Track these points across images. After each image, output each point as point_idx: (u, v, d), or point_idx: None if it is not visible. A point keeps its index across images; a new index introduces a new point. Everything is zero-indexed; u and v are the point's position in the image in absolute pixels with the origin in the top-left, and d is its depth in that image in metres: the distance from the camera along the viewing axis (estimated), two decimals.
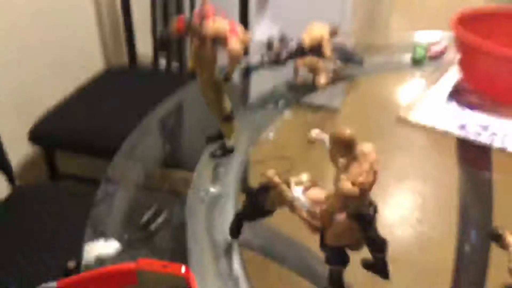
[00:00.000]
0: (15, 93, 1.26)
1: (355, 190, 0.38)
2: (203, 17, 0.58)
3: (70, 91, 1.35)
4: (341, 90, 0.92)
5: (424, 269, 0.68)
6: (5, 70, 1.22)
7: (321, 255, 0.51)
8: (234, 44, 0.56)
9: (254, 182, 0.71)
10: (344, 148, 0.40)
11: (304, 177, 0.47)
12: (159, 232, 0.63)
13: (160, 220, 0.65)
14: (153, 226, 0.64)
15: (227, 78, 0.63)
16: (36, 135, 1.21)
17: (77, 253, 0.85)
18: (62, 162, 1.30)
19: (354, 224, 0.42)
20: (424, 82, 0.87)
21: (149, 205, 0.66)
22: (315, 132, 0.44)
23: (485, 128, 0.74)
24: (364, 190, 0.39)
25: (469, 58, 0.82)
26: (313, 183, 0.47)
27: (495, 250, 0.62)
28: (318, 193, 0.45)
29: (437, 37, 1.01)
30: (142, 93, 1.37)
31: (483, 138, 0.72)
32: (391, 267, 0.46)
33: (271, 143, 0.79)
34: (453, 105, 0.80)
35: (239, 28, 0.58)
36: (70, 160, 1.33)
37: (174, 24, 0.64)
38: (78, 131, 1.21)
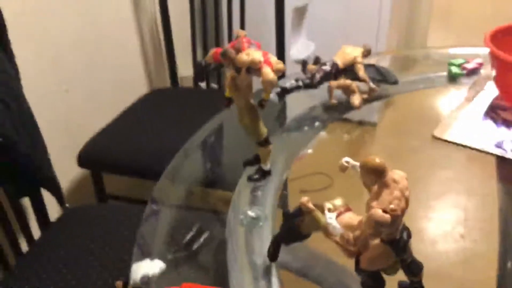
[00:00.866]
0: (64, 119, 1.34)
1: (387, 217, 0.40)
2: (238, 48, 0.61)
3: (116, 115, 1.41)
4: (377, 107, 0.93)
5: (467, 285, 0.67)
6: (54, 97, 1.29)
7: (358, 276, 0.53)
8: (268, 74, 0.59)
9: (294, 199, 0.73)
10: (375, 176, 0.41)
11: (338, 201, 0.49)
12: (201, 251, 0.66)
13: (202, 239, 0.68)
14: (195, 246, 0.67)
15: (262, 105, 0.65)
16: (84, 159, 1.27)
17: (125, 272, 0.89)
18: (110, 184, 1.36)
19: (388, 249, 0.43)
20: (460, 99, 0.87)
21: (191, 224, 0.69)
22: (346, 160, 0.46)
23: None
24: (396, 217, 0.40)
25: (504, 75, 0.81)
26: (347, 208, 0.48)
27: None
28: (351, 218, 0.47)
29: (473, 53, 1.01)
30: (185, 112, 1.42)
31: None
32: (434, 283, 0.47)
33: (309, 161, 0.80)
34: (489, 122, 0.80)
35: (273, 58, 0.61)
36: (117, 182, 1.39)
37: (211, 55, 0.67)
38: (123, 154, 1.26)
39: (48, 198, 1.04)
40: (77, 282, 0.88)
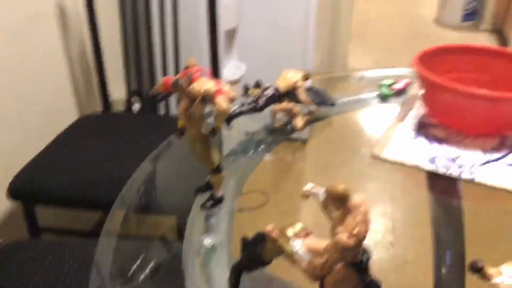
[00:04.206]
0: None
1: (352, 242, 0.42)
2: (189, 79, 0.62)
3: (46, 143, 1.35)
4: (311, 127, 0.96)
5: None
6: None
7: None
8: (222, 103, 0.60)
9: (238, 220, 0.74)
10: (339, 202, 0.43)
11: (298, 226, 0.50)
12: (148, 282, 0.65)
13: (148, 269, 0.67)
14: (141, 276, 0.66)
15: (215, 132, 0.66)
16: (15, 191, 1.20)
17: None
18: (42, 216, 1.29)
19: (351, 271, 0.45)
20: (392, 118, 0.93)
21: (140, 254, 0.68)
22: (308, 187, 0.48)
23: (453, 160, 0.80)
24: (359, 241, 0.43)
25: (431, 94, 0.88)
26: (307, 232, 0.50)
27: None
28: (314, 242, 0.48)
29: (400, 73, 1.08)
30: (119, 138, 1.39)
31: (452, 171, 0.78)
32: None
33: (249, 180, 0.82)
34: (421, 139, 0.86)
35: (226, 87, 0.62)
36: (50, 213, 1.32)
37: (161, 85, 0.67)
38: (56, 184, 1.21)
39: None
40: None
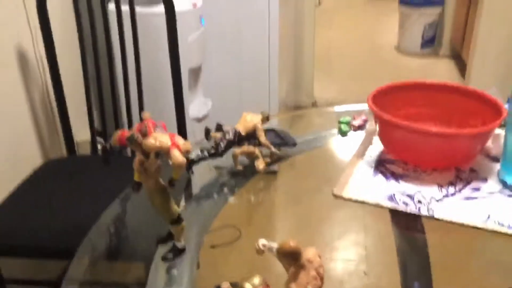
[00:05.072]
0: None
1: None
2: (144, 133, 0.62)
3: (9, 190, 1.32)
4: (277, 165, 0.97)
5: None
6: None
7: None
8: (178, 156, 0.60)
9: (205, 254, 0.73)
10: (291, 258, 0.44)
11: (256, 280, 0.51)
12: None
13: None
14: None
15: (173, 184, 0.66)
16: None
17: None
18: (6, 267, 1.25)
19: None
20: (352, 155, 0.95)
21: None
22: (262, 244, 0.48)
23: (411, 197, 0.82)
24: None
25: (386, 132, 0.91)
26: (265, 286, 0.50)
27: None
28: None
29: (357, 110, 1.11)
30: (84, 183, 1.36)
31: (411, 208, 0.80)
32: None
33: (219, 217, 0.82)
34: (380, 177, 0.88)
35: (180, 140, 0.63)
36: (14, 264, 1.28)
37: (117, 138, 0.67)
38: (19, 235, 1.18)
39: None
40: None
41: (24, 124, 1.53)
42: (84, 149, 1.70)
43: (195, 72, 1.91)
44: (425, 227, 0.82)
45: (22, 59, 1.50)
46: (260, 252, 0.48)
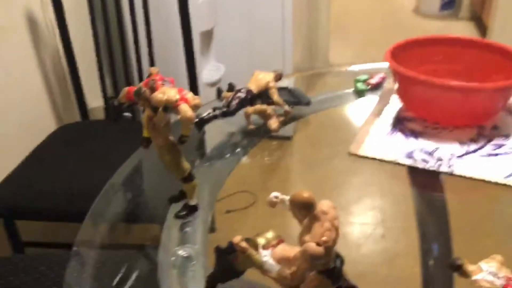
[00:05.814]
0: None
1: (320, 250, 0.40)
2: (152, 87, 0.60)
3: (25, 155, 1.33)
4: (292, 124, 0.95)
5: (393, 283, 0.70)
6: None
7: None
8: (186, 111, 0.58)
9: (220, 220, 0.72)
10: (304, 210, 0.42)
11: (270, 234, 0.49)
12: None
13: (132, 279, 0.65)
14: (125, 286, 0.65)
15: (183, 141, 0.65)
16: None
17: None
18: (25, 230, 1.27)
19: (324, 279, 0.44)
20: (369, 114, 0.92)
21: (119, 265, 0.66)
22: (274, 196, 0.46)
23: (430, 154, 0.79)
24: (329, 248, 0.41)
25: (405, 88, 0.87)
26: (279, 240, 0.49)
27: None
28: (285, 250, 0.47)
29: (375, 68, 1.07)
30: (99, 147, 1.36)
31: (430, 165, 0.77)
32: (361, 284, 0.49)
33: (232, 182, 0.80)
34: (398, 134, 0.85)
35: (189, 94, 0.60)
36: (32, 227, 1.30)
37: (124, 94, 0.65)
38: (36, 198, 1.19)
39: None
40: None
41: (37, 90, 1.52)
42: (97, 116, 1.69)
43: (207, 36, 1.87)
44: (445, 187, 0.80)
45: (32, 24, 1.48)
46: (272, 204, 0.46)
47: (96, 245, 0.71)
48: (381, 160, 0.79)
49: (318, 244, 0.41)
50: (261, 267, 0.46)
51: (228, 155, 0.87)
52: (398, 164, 0.78)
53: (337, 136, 0.91)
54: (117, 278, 0.64)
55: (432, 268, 0.76)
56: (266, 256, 0.45)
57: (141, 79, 1.51)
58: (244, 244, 0.46)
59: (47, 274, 0.95)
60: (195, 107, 0.60)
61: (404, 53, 0.92)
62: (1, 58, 1.35)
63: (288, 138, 0.94)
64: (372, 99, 0.98)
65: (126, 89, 0.64)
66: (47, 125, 1.55)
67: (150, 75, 0.62)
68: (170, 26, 1.62)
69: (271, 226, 0.50)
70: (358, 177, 0.82)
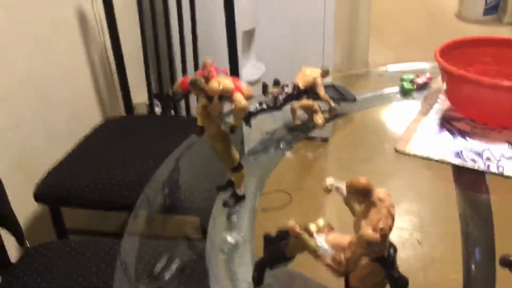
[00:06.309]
0: (16, 154, 1.28)
1: (377, 236, 0.41)
2: (207, 77, 0.62)
3: (70, 147, 1.37)
4: (331, 124, 0.95)
5: None
6: (5, 133, 1.24)
7: None
8: (241, 100, 0.60)
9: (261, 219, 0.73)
10: (362, 195, 0.43)
11: (321, 222, 0.50)
12: (174, 281, 0.65)
13: (173, 268, 0.67)
14: (166, 275, 0.66)
15: (233, 130, 0.66)
16: (41, 194, 1.22)
17: None
18: (67, 218, 1.31)
19: (377, 266, 0.44)
20: (415, 113, 0.91)
21: (163, 254, 0.68)
22: (329, 181, 0.47)
23: (479, 154, 0.78)
24: (384, 235, 0.42)
25: (454, 87, 0.86)
26: (330, 228, 0.49)
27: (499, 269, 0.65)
28: (337, 238, 0.48)
29: (420, 68, 1.06)
30: (142, 140, 1.40)
31: (479, 165, 0.76)
32: None
33: (269, 179, 0.81)
34: (446, 134, 0.84)
35: (243, 84, 0.62)
36: (75, 215, 1.34)
37: (179, 84, 0.67)
38: (82, 187, 1.23)
39: (6, 239, 0.99)
40: None
41: (85, 83, 1.57)
42: (140, 111, 1.74)
43: (249, 35, 1.89)
44: (490, 189, 0.79)
45: (82, 19, 1.53)
46: (327, 190, 0.47)
47: (141, 233, 0.73)
48: (428, 159, 0.79)
49: (374, 231, 0.41)
50: (314, 252, 0.46)
51: (272, 150, 0.88)
52: (443, 165, 0.77)
53: (380, 135, 0.91)
54: (160, 266, 0.66)
55: (474, 272, 0.75)
56: (321, 241, 0.46)
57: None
58: (298, 229, 0.47)
59: (92, 260, 0.98)
60: (248, 98, 0.61)
61: (452, 53, 0.91)
62: (52, 51, 1.40)
63: (325, 140, 0.94)
64: (417, 99, 0.97)
65: (181, 79, 0.66)
66: (93, 118, 1.60)
67: (204, 66, 0.63)
68: (214, 25, 1.65)
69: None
70: (397, 179, 0.82)
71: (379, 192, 0.43)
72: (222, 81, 0.60)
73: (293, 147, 0.89)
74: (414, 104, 0.96)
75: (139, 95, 1.69)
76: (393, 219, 0.43)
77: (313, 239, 0.47)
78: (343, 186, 0.47)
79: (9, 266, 0.99)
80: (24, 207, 1.27)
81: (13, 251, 1.04)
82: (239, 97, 0.60)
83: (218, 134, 0.65)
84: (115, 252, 1.00)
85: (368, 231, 0.41)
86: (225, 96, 0.60)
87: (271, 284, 0.60)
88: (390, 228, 0.42)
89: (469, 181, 0.80)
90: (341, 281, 0.48)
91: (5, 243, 0.98)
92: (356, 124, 0.98)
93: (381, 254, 0.44)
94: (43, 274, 0.95)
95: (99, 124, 1.51)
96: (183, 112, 1.58)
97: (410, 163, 0.82)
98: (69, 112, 1.48)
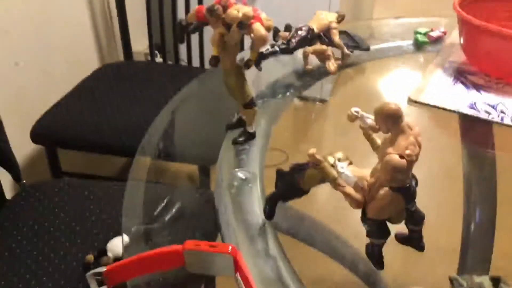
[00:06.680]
0: (15, 93, 1.25)
1: (403, 162, 0.40)
2: (224, 6, 0.59)
3: (68, 90, 1.34)
4: (330, 86, 0.93)
5: (432, 248, 0.70)
6: (4, 71, 1.20)
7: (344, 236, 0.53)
8: (259, 30, 0.57)
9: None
10: (392, 121, 0.41)
11: (340, 154, 0.48)
12: (174, 224, 0.64)
13: (173, 210, 0.66)
14: (167, 217, 0.65)
15: (249, 65, 0.64)
16: (37, 134, 1.20)
17: (96, 246, 0.85)
18: (62, 160, 1.29)
19: (397, 197, 0.43)
20: (429, 65, 0.89)
21: (164, 198, 0.67)
22: (355, 110, 0.45)
23: (493, 107, 0.77)
24: (411, 162, 0.40)
25: (472, 39, 0.84)
26: (350, 161, 0.48)
27: (498, 230, 0.65)
28: (357, 170, 0.46)
29: (435, 22, 1.04)
30: (141, 86, 1.37)
31: (493, 116, 0.75)
32: (399, 249, 0.48)
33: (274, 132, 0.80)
34: (460, 86, 0.82)
35: (263, 14, 0.59)
36: (70, 158, 1.32)
37: (194, 14, 0.64)
38: (78, 129, 1.21)
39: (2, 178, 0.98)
40: (44, 258, 0.83)
41: (85, 27, 1.53)
42: (140, 59, 1.70)
43: None
44: (500, 144, 0.78)
45: None
46: (352, 118, 0.46)
47: (142, 179, 0.72)
48: (442, 109, 0.77)
49: (401, 157, 0.40)
50: (335, 180, 0.45)
51: (280, 95, 0.86)
52: (456, 113, 0.76)
53: (395, 85, 0.90)
54: (158, 209, 0.65)
55: (473, 234, 0.75)
56: (343, 168, 0.45)
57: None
58: (319, 156, 0.45)
59: (88, 198, 0.97)
60: (268, 28, 0.59)
61: (470, 6, 0.88)
62: None
63: (322, 101, 0.93)
64: (431, 52, 0.95)
65: (196, 8, 0.63)
66: (92, 63, 1.56)
67: None
68: None
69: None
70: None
71: (408, 122, 0.42)
72: (241, 9, 0.58)
73: (302, 93, 0.87)
74: (427, 56, 0.94)
75: (139, 43, 1.65)
76: (420, 147, 0.42)
77: (333, 168, 0.45)
78: (367, 117, 0.45)
79: (4, 202, 0.97)
80: (21, 147, 1.25)
81: (8, 190, 1.02)
82: (258, 26, 0.57)
83: (232, 67, 0.63)
84: (112, 194, 0.99)
85: (394, 156, 0.40)
86: (244, 24, 0.57)
87: (278, 222, 0.59)
88: (417, 156, 0.41)
89: (476, 136, 0.80)
90: (347, 218, 0.47)
91: (2, 181, 0.97)
92: (366, 74, 0.96)
93: (404, 184, 0.43)
94: (39, 210, 0.93)
95: (98, 68, 1.47)
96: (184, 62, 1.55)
97: (416, 116, 0.80)
98: (68, 55, 1.44)
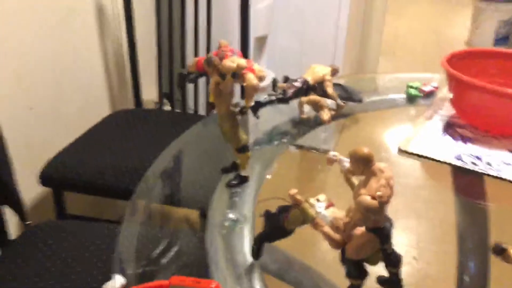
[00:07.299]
0: (26, 136, 1.30)
1: (375, 203, 0.43)
2: (221, 57, 0.64)
3: (79, 135, 1.39)
4: (333, 131, 0.97)
5: None
6: (18, 114, 1.26)
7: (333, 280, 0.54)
8: (252, 79, 0.62)
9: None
10: (363, 164, 0.44)
11: (321, 197, 0.51)
12: (171, 266, 0.66)
13: (171, 253, 0.68)
14: (165, 260, 0.67)
15: (243, 112, 0.68)
16: (46, 177, 1.24)
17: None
18: (68, 202, 1.32)
19: (373, 237, 0.46)
20: (419, 118, 0.93)
21: (161, 241, 0.69)
22: (333, 154, 0.49)
23: (479, 158, 0.80)
24: (382, 203, 0.43)
25: (460, 93, 0.88)
26: (330, 203, 0.51)
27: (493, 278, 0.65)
28: (336, 212, 0.49)
29: (428, 78, 1.08)
30: (149, 132, 1.42)
31: (480, 168, 0.78)
32: None
33: (271, 181, 0.83)
34: (448, 138, 0.86)
35: (256, 65, 0.64)
36: (76, 201, 1.35)
37: (194, 64, 0.70)
38: (86, 172, 1.24)
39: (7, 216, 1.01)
40: None
41: (97, 75, 1.60)
42: (150, 107, 1.76)
43: (261, 42, 1.92)
44: (489, 194, 0.80)
45: (99, 10, 1.56)
46: (330, 161, 0.49)
47: (140, 221, 0.74)
48: (430, 159, 0.80)
49: (372, 198, 0.43)
50: (313, 220, 0.48)
51: (276, 142, 0.90)
52: (447, 164, 0.79)
53: (385, 136, 0.93)
54: (157, 251, 0.67)
55: (469, 284, 0.75)
56: (320, 208, 0.47)
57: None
58: (299, 197, 0.48)
59: (91, 241, 0.99)
60: (260, 78, 0.63)
61: (460, 63, 0.93)
62: (67, 38, 1.43)
63: (326, 151, 0.96)
64: (423, 106, 0.99)
65: (196, 59, 0.69)
66: (103, 109, 1.62)
67: (220, 46, 0.66)
68: (229, 29, 1.68)
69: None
70: (399, 186, 0.83)
71: (380, 164, 0.45)
72: (236, 60, 0.62)
73: (297, 141, 0.91)
74: (418, 110, 0.98)
75: (149, 92, 1.71)
76: (392, 189, 0.44)
77: (312, 208, 0.48)
78: (344, 160, 0.48)
79: (8, 242, 1.00)
80: (29, 188, 1.29)
81: (14, 229, 1.05)
82: (250, 76, 0.62)
83: (227, 113, 0.67)
84: (114, 236, 1.01)
85: (366, 197, 0.43)
86: (238, 74, 0.62)
87: (267, 264, 0.61)
88: (389, 198, 0.44)
89: (468, 187, 0.82)
90: (336, 262, 0.49)
91: (8, 221, 1.00)
92: (360, 125, 0.99)
93: (378, 225, 0.45)
94: (42, 250, 0.96)
95: (109, 114, 1.53)
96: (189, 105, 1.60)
97: (409, 167, 0.83)
98: (80, 101, 1.50)
